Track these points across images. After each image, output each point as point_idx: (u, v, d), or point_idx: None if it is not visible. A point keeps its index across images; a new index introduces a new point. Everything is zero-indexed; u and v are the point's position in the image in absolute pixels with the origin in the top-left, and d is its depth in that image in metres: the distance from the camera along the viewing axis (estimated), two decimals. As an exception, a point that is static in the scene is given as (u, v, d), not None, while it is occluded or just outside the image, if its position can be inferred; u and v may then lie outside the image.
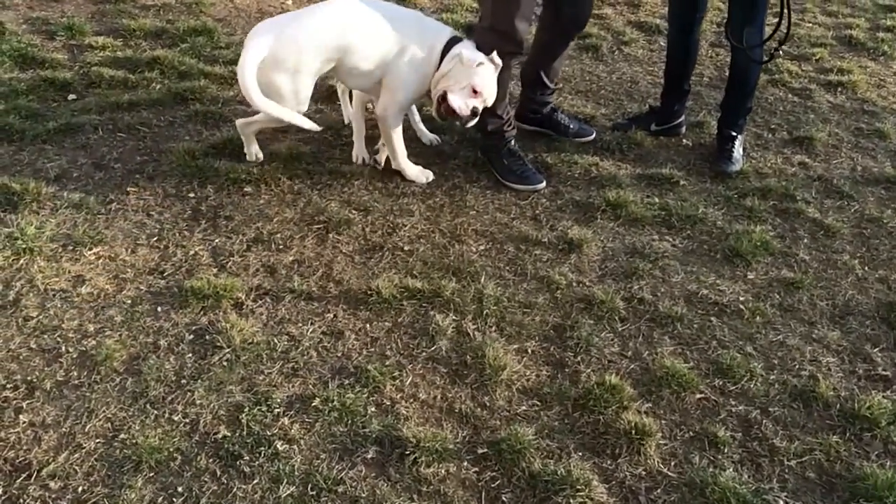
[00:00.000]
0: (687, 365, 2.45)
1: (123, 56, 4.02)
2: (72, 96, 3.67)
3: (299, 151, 3.36)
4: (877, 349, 2.54)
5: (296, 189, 3.19)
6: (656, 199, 3.24)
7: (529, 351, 2.50)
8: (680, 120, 3.68)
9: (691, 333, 2.58)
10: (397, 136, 3.19)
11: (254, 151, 3.30)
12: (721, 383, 2.40)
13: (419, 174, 3.28)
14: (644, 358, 2.48)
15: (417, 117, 3.57)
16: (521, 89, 3.66)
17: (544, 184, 3.29)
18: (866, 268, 2.89)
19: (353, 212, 3.09)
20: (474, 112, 2.99)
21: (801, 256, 2.94)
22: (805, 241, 3.02)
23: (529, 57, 3.50)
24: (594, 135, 3.62)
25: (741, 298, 2.73)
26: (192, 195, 3.11)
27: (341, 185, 3.23)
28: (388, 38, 3.02)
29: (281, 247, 2.88)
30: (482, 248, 2.95)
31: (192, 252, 2.82)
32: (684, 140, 3.67)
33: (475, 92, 2.96)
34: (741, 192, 3.28)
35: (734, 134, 3.44)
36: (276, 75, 2.97)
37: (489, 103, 3.05)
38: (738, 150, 3.44)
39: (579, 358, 2.48)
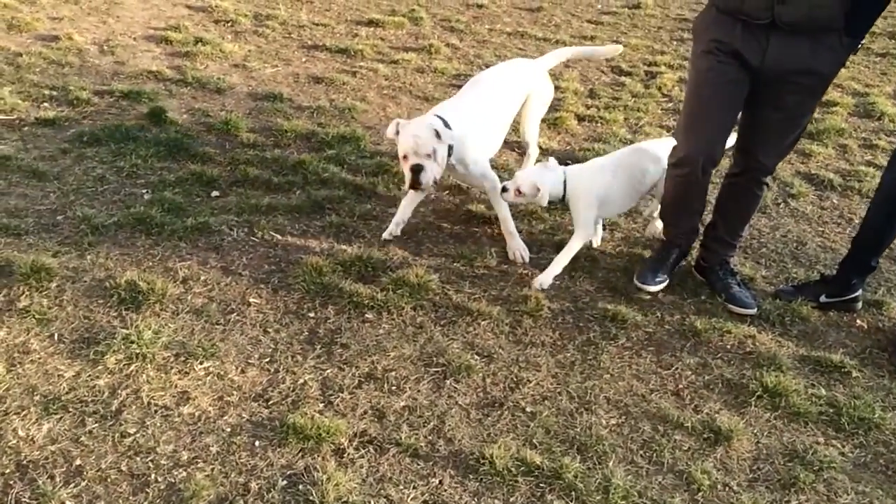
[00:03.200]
0: None
1: (271, 157, 4.05)
2: (215, 193, 3.70)
3: (428, 280, 3.18)
4: None
5: (418, 322, 2.99)
6: (823, 391, 2.80)
7: (659, 568, 2.12)
8: (856, 294, 3.24)
9: (862, 580, 2.13)
10: None
11: None
12: None
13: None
14: None
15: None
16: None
17: (755, 310, 3.20)
18: None
19: (476, 357, 2.84)
20: None
21: None
22: None
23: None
24: (754, 310, 3.22)
25: (928, 541, 2.25)
26: (311, 315, 2.97)
27: (466, 323, 3.01)
28: None
29: (394, 388, 2.66)
30: (613, 422, 2.61)
31: (301, 380, 2.65)
32: (858, 321, 3.22)
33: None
34: (929, 397, 2.79)
35: None
36: None
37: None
38: None
39: (719, 588, 2.08)
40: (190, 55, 5.28)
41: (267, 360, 2.74)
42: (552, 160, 3.39)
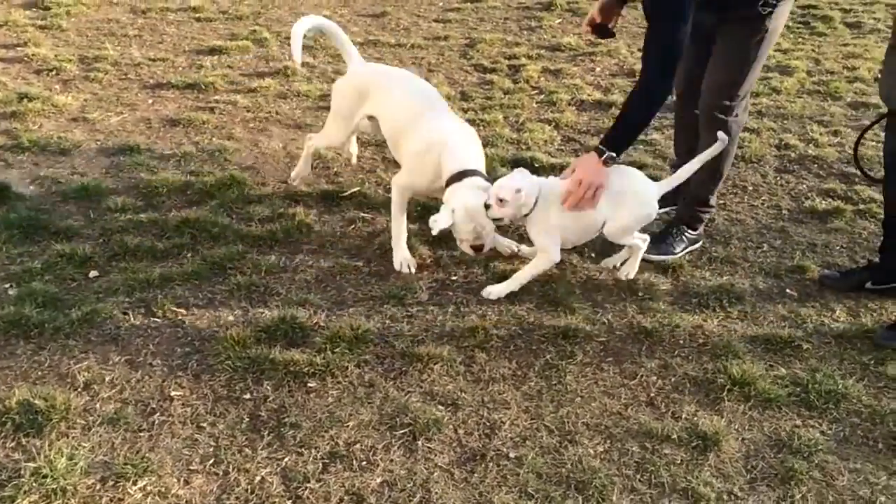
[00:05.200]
0: None
1: (147, 219, 3.59)
2: (93, 273, 3.21)
3: (364, 330, 2.92)
4: None
5: (367, 380, 2.73)
6: (783, 371, 2.81)
7: None
8: None
9: (888, 563, 2.12)
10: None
11: None
12: None
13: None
14: None
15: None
16: None
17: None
18: None
19: (440, 408, 2.62)
20: None
21: (977, 443, 2.51)
22: (974, 421, 2.61)
23: None
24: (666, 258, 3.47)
25: (929, 506, 2.28)
26: (247, 396, 2.63)
27: (419, 371, 2.78)
28: None
29: (363, 463, 2.39)
30: (601, 449, 2.48)
31: (257, 478, 2.32)
32: (787, 290, 3.29)
33: None
34: (877, 357, 2.87)
35: None
36: None
37: None
38: None
39: None
40: (17, 115, 4.61)
41: (211, 461, 2.38)
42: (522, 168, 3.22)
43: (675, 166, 3.76)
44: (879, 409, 2.63)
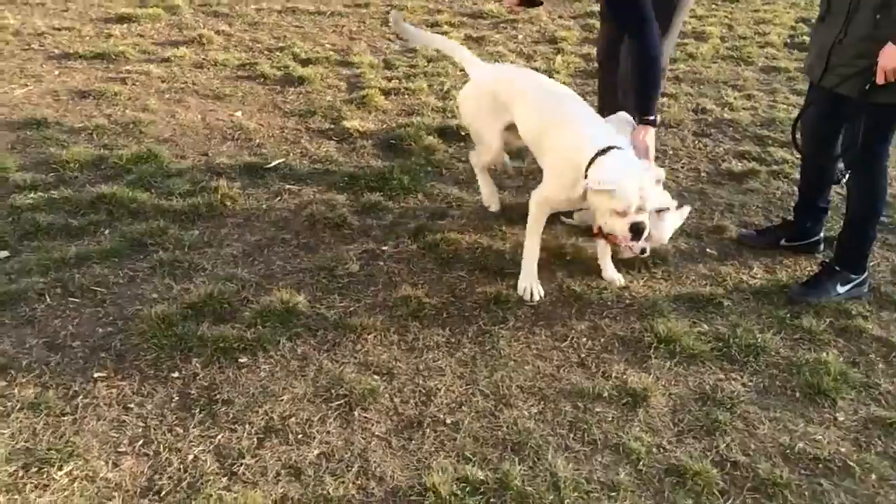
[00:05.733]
0: (818, 550, 2.10)
1: (60, 196, 3.42)
2: (4, 254, 3.05)
3: (295, 303, 2.87)
4: None
5: (300, 353, 2.69)
6: (706, 327, 2.91)
7: (633, 552, 2.08)
8: (817, 237, 3.39)
9: (806, 504, 2.23)
10: None
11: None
12: (865, 572, 2.06)
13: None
14: (766, 545, 2.11)
15: None
16: None
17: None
18: (959, 395, 2.64)
19: (375, 377, 2.61)
20: None
21: (884, 387, 2.65)
22: (880, 366, 2.75)
23: None
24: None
25: (842, 449, 2.41)
26: (175, 374, 2.56)
27: (352, 342, 2.76)
28: None
29: (300, 436, 2.36)
30: (535, 410, 2.52)
31: (190, 457, 2.27)
32: (708, 249, 3.39)
33: None
34: (793, 311, 3.00)
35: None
36: None
37: None
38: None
39: (693, 554, 2.08)
40: (-90, 87, 4.33)
41: (140, 442, 2.31)
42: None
43: None
44: (796, 360, 2.76)
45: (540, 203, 3.03)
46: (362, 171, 3.83)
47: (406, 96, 4.74)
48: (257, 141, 4.11)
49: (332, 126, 4.32)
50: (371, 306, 2.94)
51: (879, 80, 2.69)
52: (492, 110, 3.24)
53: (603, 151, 2.75)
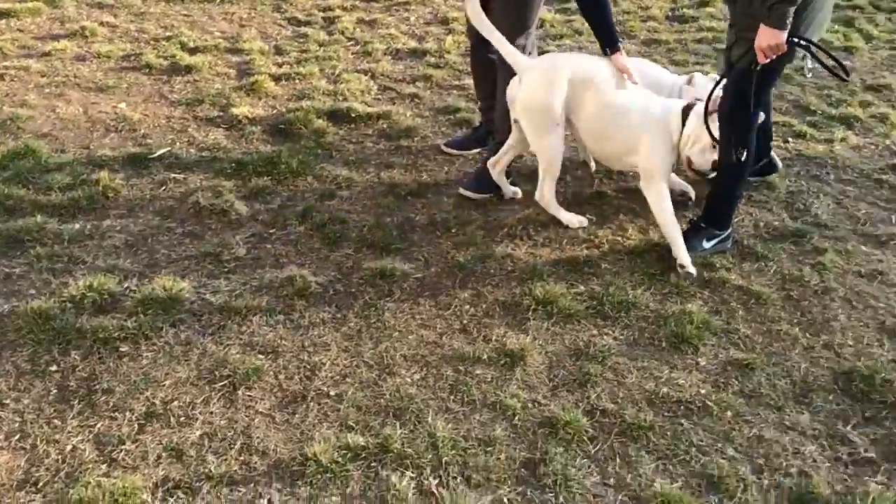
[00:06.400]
0: (676, 484, 2.24)
1: (-70, 196, 3.32)
2: None
3: (178, 289, 2.87)
4: (849, 426, 2.45)
5: (183, 338, 2.70)
6: (582, 287, 3.04)
7: (506, 501, 2.18)
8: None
9: (667, 443, 2.37)
10: None
11: None
12: (718, 500, 2.21)
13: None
14: (629, 484, 2.24)
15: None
16: None
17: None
18: (808, 334, 2.83)
19: (260, 357, 2.64)
20: None
21: (743, 332, 2.84)
22: (740, 313, 2.94)
23: None
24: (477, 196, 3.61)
25: (702, 391, 2.57)
26: (53, 368, 2.54)
27: (237, 324, 2.78)
28: None
29: (182, 419, 2.38)
30: (417, 377, 2.61)
31: (68, 447, 2.26)
32: (588, 215, 3.52)
33: None
34: (663, 267, 3.16)
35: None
36: None
37: None
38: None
39: (562, 498, 2.20)
40: None
41: (17, 437, 2.29)
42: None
43: (482, 110, 3.92)
44: (663, 312, 2.92)
45: (658, 182, 3.24)
46: (250, 157, 3.83)
47: (297, 81, 4.74)
48: (142, 132, 4.05)
49: (221, 114, 4.29)
50: (257, 288, 2.96)
51: (760, 59, 2.85)
52: (551, 104, 3.25)
53: (686, 109, 3.23)
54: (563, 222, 3.41)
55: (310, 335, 2.76)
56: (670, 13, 6.07)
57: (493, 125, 3.66)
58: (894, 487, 2.25)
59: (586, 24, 5.60)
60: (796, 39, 2.85)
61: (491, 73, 3.58)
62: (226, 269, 3.07)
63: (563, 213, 3.44)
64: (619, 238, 3.36)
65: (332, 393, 2.52)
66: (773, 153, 3.76)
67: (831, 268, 3.18)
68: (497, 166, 3.51)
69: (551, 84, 3.24)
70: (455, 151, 4.00)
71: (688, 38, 5.75)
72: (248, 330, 2.76)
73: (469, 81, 4.81)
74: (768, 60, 2.84)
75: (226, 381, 2.53)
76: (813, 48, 2.91)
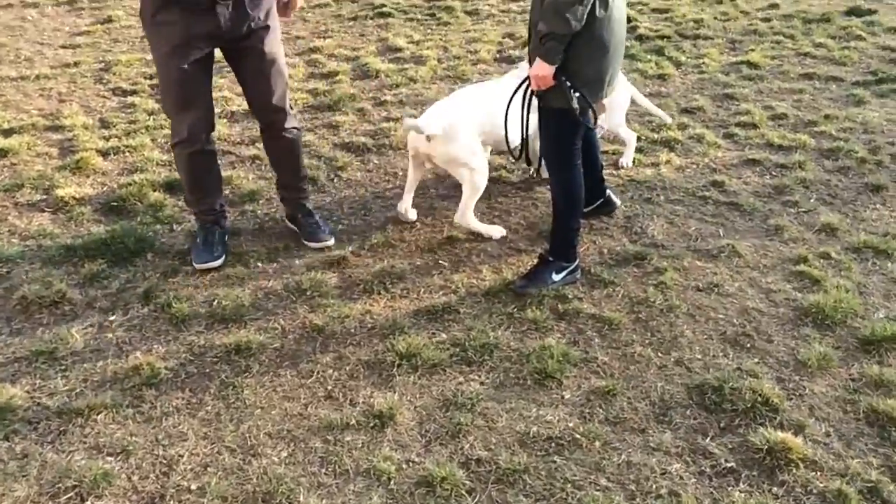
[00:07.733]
0: (556, 523, 2.25)
1: None
2: None
3: (9, 396, 2.61)
4: (708, 439, 2.57)
5: (18, 451, 2.45)
6: (444, 335, 3.04)
7: (390, 571, 2.11)
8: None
9: (543, 484, 2.39)
10: None
11: None
12: (597, 533, 2.24)
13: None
14: (511, 531, 2.23)
15: None
16: None
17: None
18: (659, 353, 2.96)
19: (108, 459, 2.44)
20: None
21: (601, 359, 2.92)
22: (596, 340, 3.03)
23: None
24: (331, 240, 3.66)
25: (570, 424, 2.61)
26: None
27: (80, 426, 2.56)
28: None
29: (24, 544, 2.15)
30: (285, 454, 2.49)
31: None
32: (440, 261, 3.54)
33: None
34: (519, 305, 3.22)
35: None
36: None
37: None
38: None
39: (446, 558, 2.15)
40: None
41: None
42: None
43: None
44: (524, 349, 2.97)
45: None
46: (81, 240, 3.58)
47: (127, 154, 4.51)
48: (-48, 227, 3.71)
49: (45, 197, 4.00)
50: (99, 383, 2.75)
51: (534, 86, 3.02)
52: None
53: None
54: (485, 235, 3.73)
55: (163, 427, 2.58)
56: (498, 55, 6.30)
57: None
58: (756, 494, 2.37)
59: (420, 72, 5.82)
60: (564, 78, 3.01)
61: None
62: (62, 367, 2.83)
63: (483, 226, 3.77)
64: (475, 281, 3.40)
65: (193, 487, 2.36)
66: (609, 191, 3.93)
67: (672, 286, 3.36)
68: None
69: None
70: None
71: (517, 77, 5.98)
72: (92, 431, 2.55)
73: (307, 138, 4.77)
74: (540, 89, 3.03)
75: (72, 493, 2.31)
76: (569, 92, 3.01)
